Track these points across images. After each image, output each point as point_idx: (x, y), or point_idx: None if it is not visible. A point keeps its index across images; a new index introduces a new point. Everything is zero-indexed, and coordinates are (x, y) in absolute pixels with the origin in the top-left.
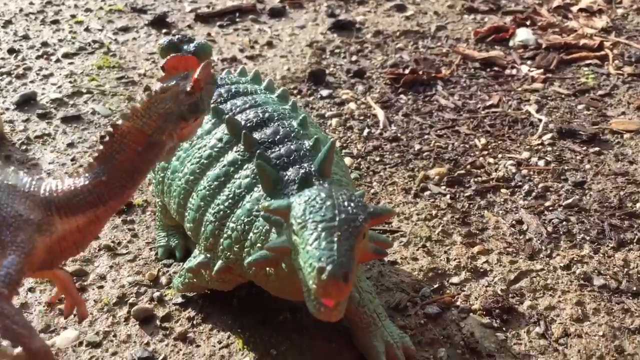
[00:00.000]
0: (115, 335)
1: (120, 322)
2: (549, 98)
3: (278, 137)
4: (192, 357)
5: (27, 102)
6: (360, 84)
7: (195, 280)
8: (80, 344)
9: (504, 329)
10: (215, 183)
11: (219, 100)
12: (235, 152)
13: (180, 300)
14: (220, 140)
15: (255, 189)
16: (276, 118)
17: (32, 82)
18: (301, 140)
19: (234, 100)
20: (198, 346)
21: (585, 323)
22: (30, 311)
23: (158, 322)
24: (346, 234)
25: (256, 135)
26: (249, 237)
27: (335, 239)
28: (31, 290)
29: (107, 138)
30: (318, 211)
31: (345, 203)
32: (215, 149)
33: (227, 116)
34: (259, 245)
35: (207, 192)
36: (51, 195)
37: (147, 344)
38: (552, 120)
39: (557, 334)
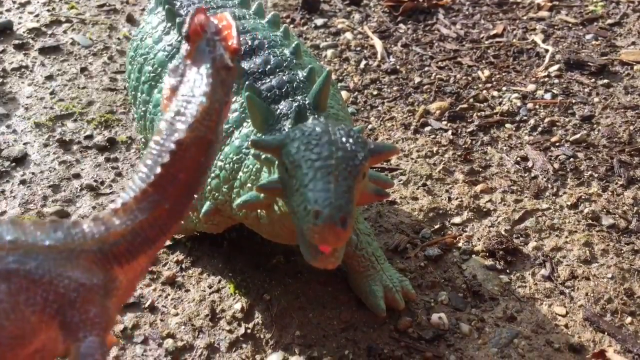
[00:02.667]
0: None
1: None
2: (555, 27)
3: (269, 67)
4: (181, 302)
5: (2, 32)
6: (357, 13)
7: (182, 222)
8: None
9: (507, 271)
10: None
11: None
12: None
13: (167, 242)
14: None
15: (245, 124)
16: (266, 46)
17: (7, 10)
18: (294, 71)
19: None
20: (187, 291)
21: (593, 265)
22: None
23: None
24: (344, 174)
25: (245, 65)
26: (238, 177)
27: (332, 179)
28: None
29: (167, 158)
30: (313, 148)
31: (343, 139)
32: None
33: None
34: (249, 185)
35: None
36: (104, 244)
37: None
38: (559, 51)
39: (564, 276)
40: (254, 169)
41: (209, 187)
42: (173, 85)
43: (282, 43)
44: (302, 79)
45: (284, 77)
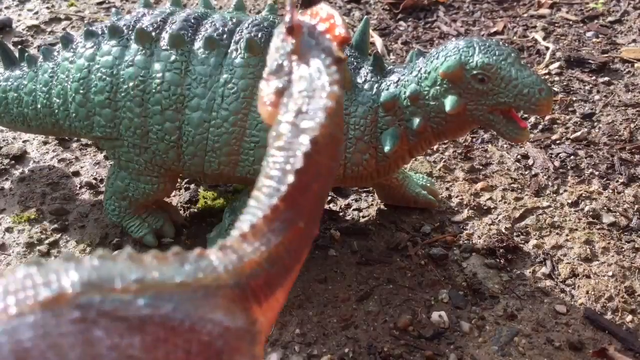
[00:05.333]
0: None
1: None
2: (556, 24)
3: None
4: None
5: (1, 30)
6: (357, 10)
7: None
8: None
9: (508, 269)
10: None
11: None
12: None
13: (167, 240)
14: (243, 66)
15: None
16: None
17: (7, 8)
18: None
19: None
20: None
21: (593, 263)
22: (8, 252)
23: None
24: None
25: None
26: (350, 135)
27: (527, 67)
28: (9, 230)
29: (300, 163)
30: (496, 52)
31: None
32: (246, 79)
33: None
34: (366, 136)
35: None
36: (240, 277)
37: None
38: (560, 48)
39: (564, 274)
40: (368, 122)
41: None
42: (280, 87)
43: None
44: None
45: None
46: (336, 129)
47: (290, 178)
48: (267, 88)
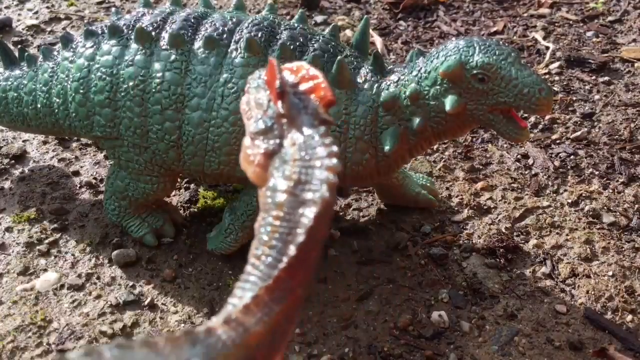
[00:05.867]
0: (98, 278)
1: (104, 263)
2: (556, 24)
3: (301, 39)
4: (181, 300)
5: (1, 29)
6: (357, 10)
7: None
8: (62, 287)
9: (508, 269)
10: None
11: (215, 31)
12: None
13: (167, 240)
14: (243, 66)
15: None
16: (282, 26)
17: (7, 7)
18: (316, 33)
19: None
20: (187, 288)
21: (593, 262)
22: (8, 252)
23: (144, 263)
24: (523, 61)
25: (283, 41)
26: (350, 135)
27: (527, 66)
28: (9, 230)
29: (303, 237)
30: (497, 52)
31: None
32: (246, 79)
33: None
34: (366, 136)
35: None
36: (248, 350)
37: (133, 286)
38: (560, 48)
39: (565, 274)
40: (368, 121)
41: None
42: (270, 149)
43: (277, 19)
44: (329, 37)
45: (320, 41)
46: (335, 197)
47: (292, 250)
48: (254, 148)
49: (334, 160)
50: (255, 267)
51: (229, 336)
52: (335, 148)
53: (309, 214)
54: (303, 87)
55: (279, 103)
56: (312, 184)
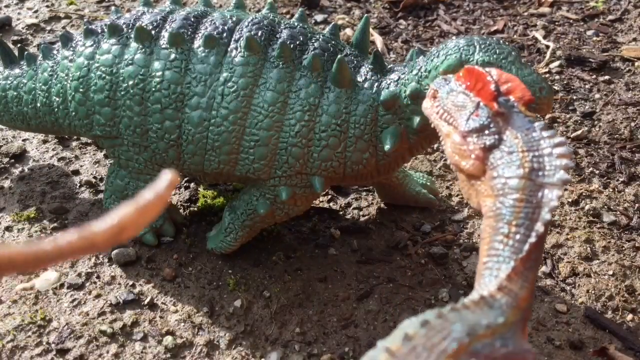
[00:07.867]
0: (98, 277)
1: (104, 262)
2: (556, 23)
3: (301, 37)
4: (181, 299)
5: (1, 28)
6: (357, 9)
7: (260, 224)
8: (61, 286)
9: None
10: (277, 105)
11: (215, 31)
12: (275, 67)
13: (167, 239)
14: (243, 65)
15: (326, 90)
16: (283, 25)
17: (6, 6)
18: (316, 32)
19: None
20: (187, 287)
21: (594, 261)
22: None
23: (144, 263)
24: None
25: (283, 39)
26: (350, 135)
27: (526, 65)
28: (8, 229)
29: (550, 217)
30: (496, 50)
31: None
32: (246, 77)
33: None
34: (366, 135)
35: (273, 119)
36: (521, 312)
37: (133, 285)
38: (560, 47)
39: (565, 273)
40: (368, 120)
41: (316, 162)
42: (488, 144)
43: (278, 17)
44: (329, 36)
45: (320, 40)
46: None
47: (540, 226)
48: (469, 144)
49: (565, 148)
50: (505, 243)
51: (506, 301)
52: (561, 138)
53: (553, 195)
54: (504, 88)
55: (495, 104)
56: (546, 170)
